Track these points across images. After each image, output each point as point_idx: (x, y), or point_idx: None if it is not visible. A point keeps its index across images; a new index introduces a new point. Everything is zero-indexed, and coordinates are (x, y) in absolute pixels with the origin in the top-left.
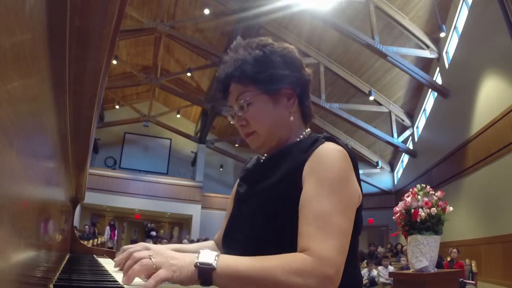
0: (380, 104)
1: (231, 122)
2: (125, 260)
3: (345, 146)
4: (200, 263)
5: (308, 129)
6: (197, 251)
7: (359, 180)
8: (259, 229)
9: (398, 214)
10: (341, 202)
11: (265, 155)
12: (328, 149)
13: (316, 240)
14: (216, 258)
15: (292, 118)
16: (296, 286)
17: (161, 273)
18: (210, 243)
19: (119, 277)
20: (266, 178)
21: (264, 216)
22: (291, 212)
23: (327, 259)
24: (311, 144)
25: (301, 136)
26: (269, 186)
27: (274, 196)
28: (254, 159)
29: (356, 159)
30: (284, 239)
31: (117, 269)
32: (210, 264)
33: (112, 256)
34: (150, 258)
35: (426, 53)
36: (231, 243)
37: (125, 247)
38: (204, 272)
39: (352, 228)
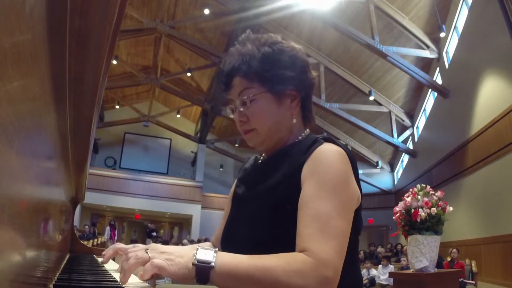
0: (380, 104)
1: (230, 116)
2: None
3: (344, 146)
4: (198, 261)
5: (307, 130)
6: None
7: (358, 181)
8: (259, 231)
9: (398, 214)
10: (340, 203)
11: (263, 155)
12: (327, 150)
13: (316, 241)
14: (215, 255)
15: (295, 120)
16: (295, 287)
17: (157, 260)
18: (207, 245)
19: (118, 277)
20: (265, 179)
21: (264, 218)
22: (291, 214)
23: (326, 261)
24: (309, 145)
25: (300, 138)
26: (268, 188)
27: (274, 198)
28: (252, 159)
29: (355, 160)
30: (284, 241)
31: (116, 268)
32: (209, 262)
33: None
34: (146, 252)
35: (426, 53)
36: (230, 244)
37: (115, 244)
38: (202, 270)
39: (350, 229)
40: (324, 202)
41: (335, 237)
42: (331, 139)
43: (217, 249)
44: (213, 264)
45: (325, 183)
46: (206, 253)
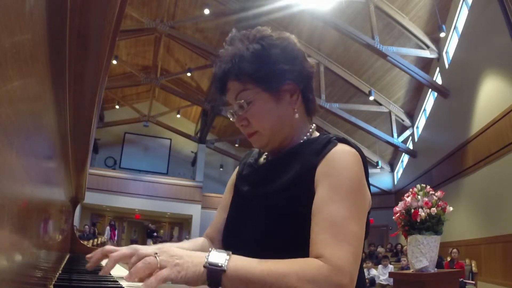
0: (380, 104)
1: (232, 120)
2: (129, 257)
3: (357, 147)
4: (210, 264)
5: (314, 125)
6: (191, 249)
7: (368, 183)
8: (268, 232)
9: (398, 214)
10: (355, 207)
11: (269, 152)
12: (342, 151)
13: (331, 247)
14: (227, 259)
15: (297, 115)
16: None
17: (164, 272)
18: (201, 239)
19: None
20: (273, 179)
21: (273, 220)
22: (302, 216)
23: (342, 267)
24: (323, 146)
25: (308, 134)
26: (278, 189)
27: (284, 200)
28: (255, 152)
29: (366, 161)
30: (293, 243)
31: (118, 269)
32: (221, 266)
33: None
34: (155, 257)
35: (426, 53)
36: (235, 244)
37: (103, 247)
38: (214, 274)
39: (364, 234)
40: (338, 206)
41: (350, 242)
42: (345, 140)
43: (230, 252)
44: (224, 267)
45: (340, 187)
46: (219, 256)
